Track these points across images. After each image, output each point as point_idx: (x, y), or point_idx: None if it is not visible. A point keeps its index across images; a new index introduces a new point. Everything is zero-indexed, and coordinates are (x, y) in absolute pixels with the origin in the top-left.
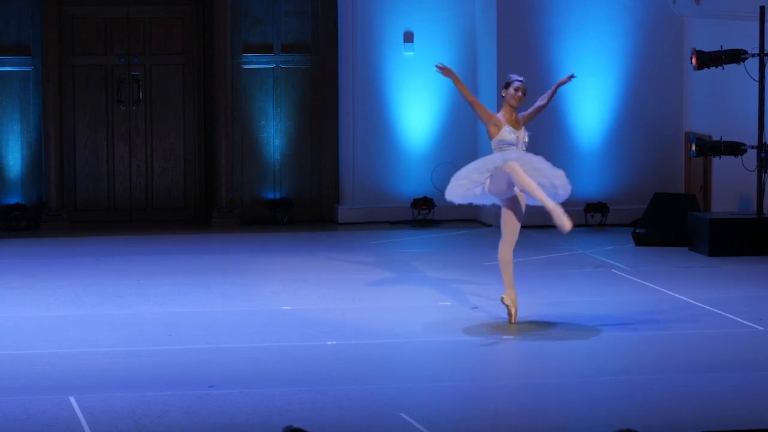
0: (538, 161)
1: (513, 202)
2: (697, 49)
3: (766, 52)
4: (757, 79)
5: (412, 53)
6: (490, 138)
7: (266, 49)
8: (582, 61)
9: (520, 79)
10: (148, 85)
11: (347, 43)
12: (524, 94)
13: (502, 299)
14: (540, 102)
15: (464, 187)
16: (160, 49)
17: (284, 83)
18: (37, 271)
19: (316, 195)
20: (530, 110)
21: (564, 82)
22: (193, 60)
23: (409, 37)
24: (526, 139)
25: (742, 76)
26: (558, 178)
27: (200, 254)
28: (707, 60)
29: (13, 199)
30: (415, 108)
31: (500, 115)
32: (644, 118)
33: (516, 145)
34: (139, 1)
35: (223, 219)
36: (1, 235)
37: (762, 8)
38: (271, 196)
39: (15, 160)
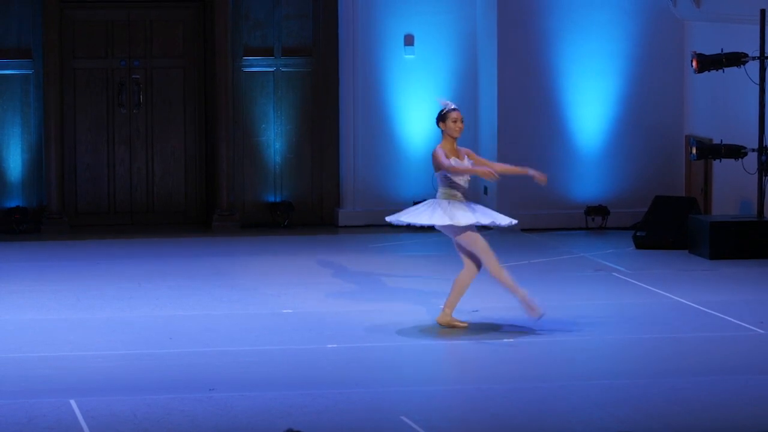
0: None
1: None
2: (698, 52)
3: (766, 55)
4: (758, 82)
5: (412, 56)
6: (436, 170)
7: (267, 52)
8: (583, 64)
9: (454, 107)
10: (148, 88)
11: (348, 47)
12: (462, 121)
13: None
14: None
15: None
16: (161, 52)
17: (285, 86)
18: (37, 274)
19: (317, 198)
20: (473, 157)
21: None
22: (193, 63)
23: (409, 41)
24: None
25: (743, 79)
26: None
27: (201, 257)
28: (708, 63)
29: (13, 202)
30: (416, 111)
31: (444, 149)
32: (645, 121)
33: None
34: (140, 4)
35: (224, 222)
36: (1, 238)
37: (762, 11)
38: (271, 199)
39: (16, 163)
